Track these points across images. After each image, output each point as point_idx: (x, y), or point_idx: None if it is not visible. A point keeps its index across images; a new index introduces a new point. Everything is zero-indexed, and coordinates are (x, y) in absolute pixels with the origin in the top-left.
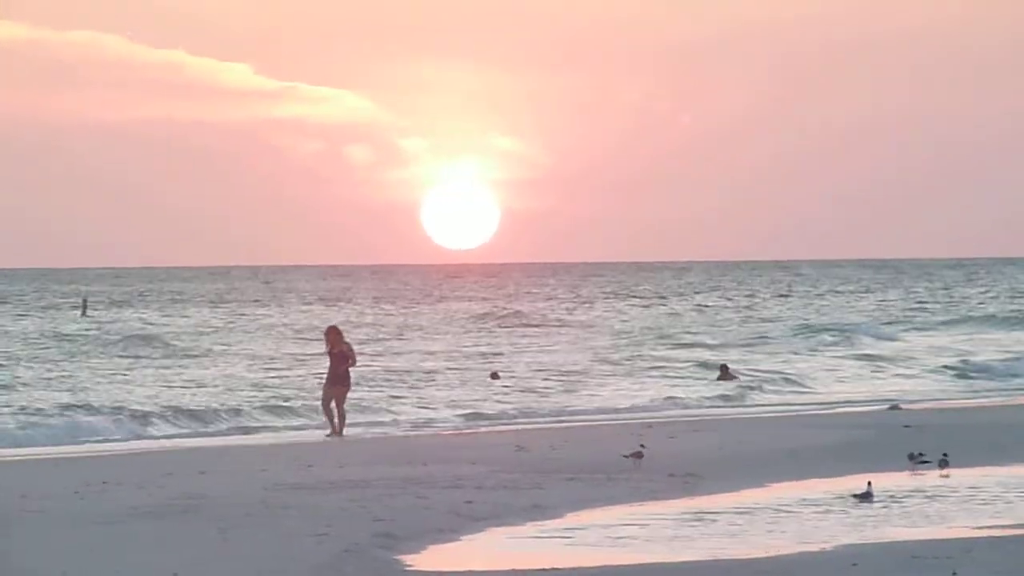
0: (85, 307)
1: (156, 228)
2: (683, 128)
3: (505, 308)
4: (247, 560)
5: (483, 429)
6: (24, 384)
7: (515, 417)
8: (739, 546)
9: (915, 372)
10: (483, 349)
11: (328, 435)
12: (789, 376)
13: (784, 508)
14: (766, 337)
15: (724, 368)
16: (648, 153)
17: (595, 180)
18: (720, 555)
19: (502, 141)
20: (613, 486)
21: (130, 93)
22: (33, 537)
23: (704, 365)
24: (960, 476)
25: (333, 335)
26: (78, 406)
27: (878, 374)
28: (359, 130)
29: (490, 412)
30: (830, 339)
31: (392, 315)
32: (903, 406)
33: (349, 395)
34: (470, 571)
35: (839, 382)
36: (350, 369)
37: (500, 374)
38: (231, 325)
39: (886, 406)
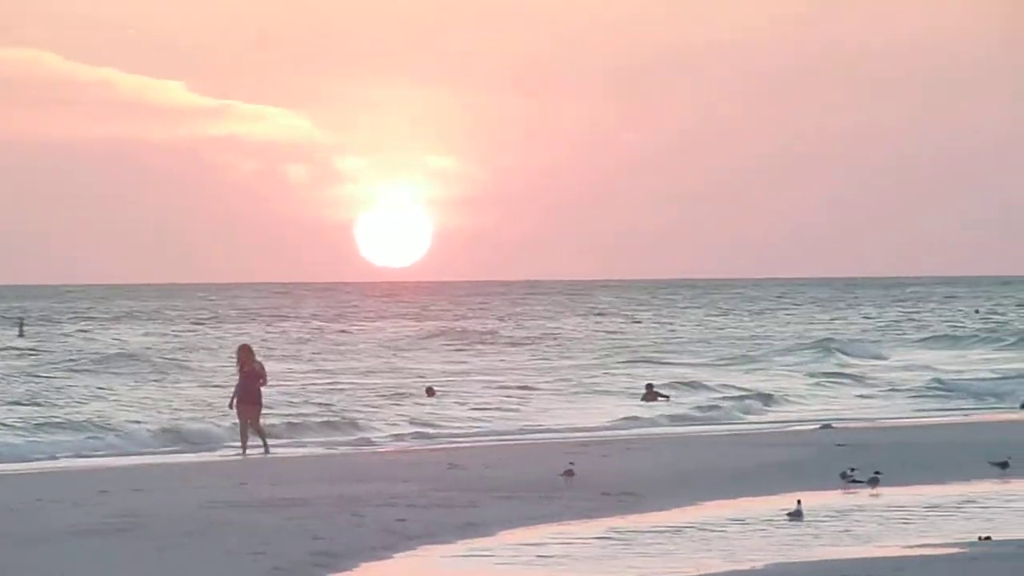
0: (22, 327)
1: (95, 246)
2: (625, 146)
3: (446, 326)
4: None
5: (417, 447)
6: None
7: (451, 435)
8: (669, 565)
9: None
10: (419, 366)
11: (239, 455)
12: (753, 395)
13: (715, 527)
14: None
15: (649, 387)
16: (589, 172)
17: (534, 199)
18: (649, 574)
19: (440, 160)
20: (547, 504)
21: (68, 111)
22: None
23: (685, 382)
24: (891, 495)
25: (244, 354)
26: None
27: (853, 391)
28: (296, 149)
29: (425, 429)
30: (810, 355)
31: (333, 332)
32: (836, 425)
33: (263, 412)
34: None
35: (813, 400)
36: (262, 388)
37: (436, 390)
38: (169, 343)
39: (818, 425)
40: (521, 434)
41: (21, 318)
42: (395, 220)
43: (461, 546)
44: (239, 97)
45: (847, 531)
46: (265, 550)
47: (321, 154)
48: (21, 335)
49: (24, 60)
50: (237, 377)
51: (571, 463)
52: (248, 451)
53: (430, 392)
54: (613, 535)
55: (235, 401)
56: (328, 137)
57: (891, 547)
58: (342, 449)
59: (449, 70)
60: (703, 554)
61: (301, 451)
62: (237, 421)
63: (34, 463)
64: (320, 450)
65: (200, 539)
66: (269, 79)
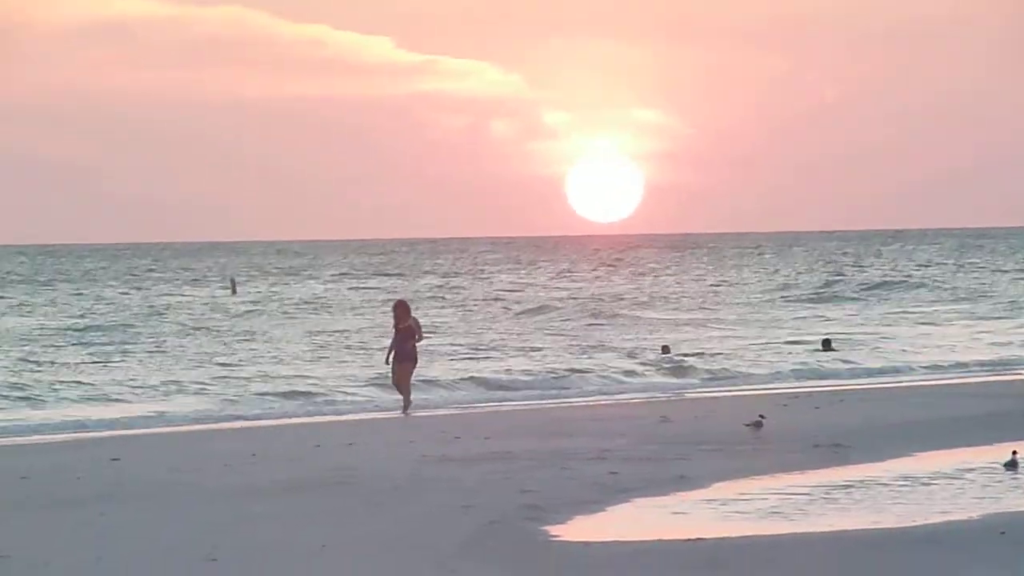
0: (234, 285)
1: (299, 203)
2: (823, 100)
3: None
4: (394, 534)
5: (628, 400)
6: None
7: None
8: (886, 516)
9: None
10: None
11: (403, 412)
12: None
13: (929, 478)
14: None
15: (826, 342)
16: (786, 124)
17: (732, 151)
18: (867, 525)
19: (646, 114)
20: (758, 457)
21: (274, 69)
22: (183, 510)
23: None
24: None
25: (401, 310)
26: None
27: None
28: (503, 104)
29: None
30: None
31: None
32: None
33: (416, 370)
34: (616, 541)
35: None
36: (416, 345)
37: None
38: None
39: None
40: (722, 386)
41: (232, 277)
42: (603, 174)
43: (674, 499)
44: (447, 52)
45: None
46: (474, 504)
47: (528, 109)
48: (234, 293)
49: (229, 18)
50: (392, 333)
51: (761, 415)
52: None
53: (665, 350)
54: (827, 487)
55: (390, 357)
56: (535, 92)
57: None
58: (553, 403)
59: (654, 24)
60: (919, 505)
61: (511, 406)
62: (393, 380)
63: (240, 422)
64: (533, 404)
65: (411, 493)
66: (476, 34)
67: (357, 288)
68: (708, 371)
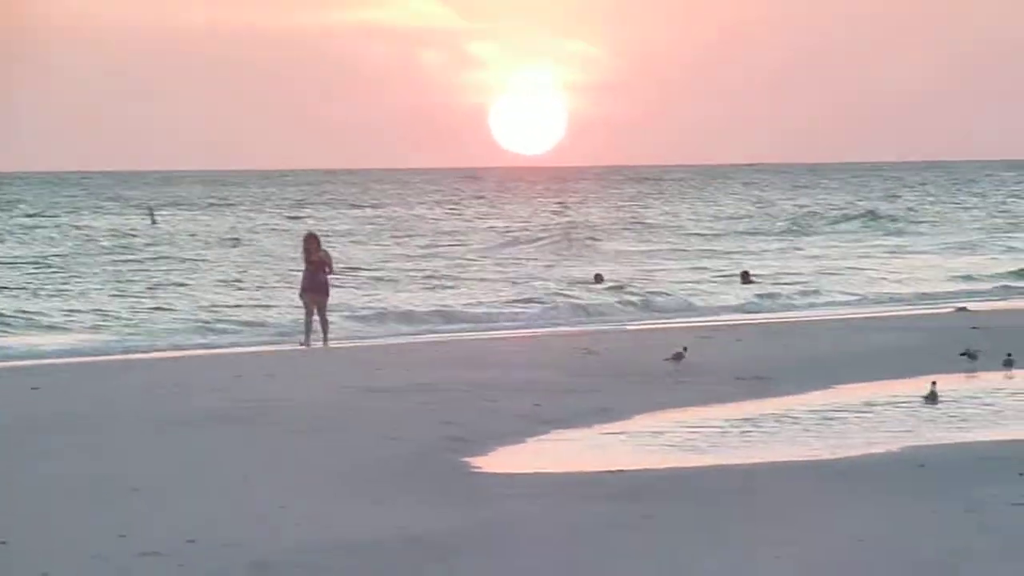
0: (153, 215)
1: (226, 134)
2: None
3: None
4: (318, 464)
5: (551, 332)
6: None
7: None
8: (806, 448)
9: None
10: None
11: (301, 344)
12: None
13: (850, 410)
14: None
15: (745, 274)
16: (728, 61)
17: (658, 81)
18: (787, 457)
19: (573, 45)
20: (680, 389)
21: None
22: (104, 439)
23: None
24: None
25: (312, 243)
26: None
27: None
28: (430, 34)
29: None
30: None
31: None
32: (971, 307)
33: (329, 302)
34: (537, 473)
35: None
36: (328, 277)
37: (604, 277)
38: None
39: (953, 308)
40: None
41: (150, 207)
42: (528, 106)
43: (596, 431)
44: None
45: (982, 414)
46: (398, 435)
47: (455, 40)
48: (154, 223)
49: None
50: (303, 267)
51: (684, 348)
52: (327, 340)
53: (598, 278)
54: (747, 419)
55: (301, 291)
56: (462, 23)
57: None
58: (476, 334)
59: None
60: (839, 437)
61: (437, 336)
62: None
63: (165, 351)
64: (457, 336)
65: (333, 424)
66: None
67: (297, 219)
68: (634, 302)
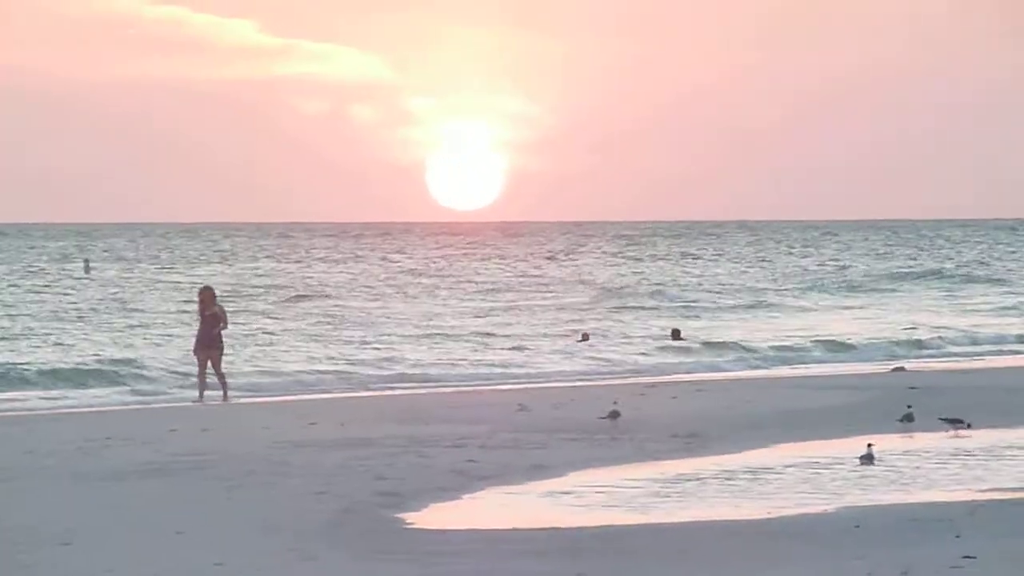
0: (87, 264)
1: (158, 186)
2: (675, 85)
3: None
4: (251, 519)
5: (485, 388)
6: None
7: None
8: (742, 507)
9: None
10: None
11: (195, 401)
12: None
13: (786, 469)
14: None
15: (675, 332)
16: (648, 110)
17: (596, 138)
18: (722, 516)
19: (510, 101)
20: (616, 446)
21: (132, 50)
22: (38, 493)
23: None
24: (963, 439)
25: (207, 296)
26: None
27: None
28: (365, 89)
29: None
30: None
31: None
32: (908, 367)
33: (224, 358)
34: (472, 530)
35: None
36: (222, 332)
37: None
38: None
39: (890, 367)
40: (582, 377)
41: (86, 258)
42: (464, 162)
43: (530, 487)
44: (307, 36)
45: (918, 475)
46: (330, 490)
47: (390, 94)
48: (87, 272)
49: None
50: (198, 321)
51: (615, 403)
52: (227, 395)
53: (585, 338)
54: (683, 478)
55: (196, 346)
56: (398, 78)
57: (962, 491)
58: (411, 391)
59: (518, 11)
60: (778, 497)
61: (371, 393)
62: (197, 366)
63: (100, 406)
64: (393, 391)
65: (266, 478)
66: (338, 18)
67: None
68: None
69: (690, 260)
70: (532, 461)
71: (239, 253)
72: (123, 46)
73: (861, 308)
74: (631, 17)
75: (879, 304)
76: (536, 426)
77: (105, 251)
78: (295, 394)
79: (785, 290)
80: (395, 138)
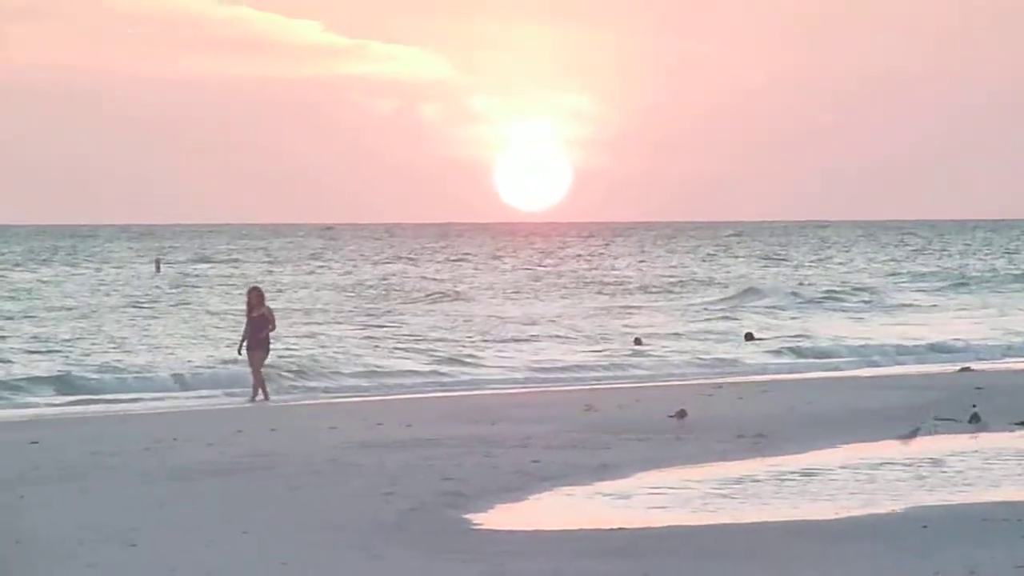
0: (159, 265)
1: (225, 186)
2: (768, 92)
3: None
4: (316, 519)
5: (552, 388)
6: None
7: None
8: (808, 507)
9: None
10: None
11: (249, 401)
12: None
13: (852, 469)
14: None
15: (749, 335)
16: (732, 117)
17: (673, 142)
18: (789, 516)
19: (577, 100)
20: (682, 446)
21: (200, 49)
22: (104, 493)
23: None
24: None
25: (255, 297)
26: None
27: None
28: (431, 88)
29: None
30: None
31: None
32: (974, 367)
33: (267, 360)
34: (537, 530)
35: None
36: (270, 334)
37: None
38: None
39: (957, 367)
40: (648, 377)
41: (158, 258)
42: (531, 161)
43: (596, 487)
44: (375, 37)
45: (986, 474)
46: (396, 490)
47: (456, 94)
48: (158, 271)
49: None
50: (245, 321)
51: (683, 409)
52: (257, 397)
53: (638, 342)
54: (748, 478)
55: (243, 346)
56: (463, 77)
57: None
58: (478, 390)
59: (587, 8)
60: (845, 497)
61: (435, 393)
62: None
63: (167, 402)
64: (458, 391)
65: (331, 479)
66: (404, 18)
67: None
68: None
69: (823, 259)
70: (598, 461)
71: (338, 253)
72: (189, 46)
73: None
74: (693, 13)
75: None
76: (602, 426)
77: (220, 249)
78: (387, 394)
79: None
80: (460, 137)
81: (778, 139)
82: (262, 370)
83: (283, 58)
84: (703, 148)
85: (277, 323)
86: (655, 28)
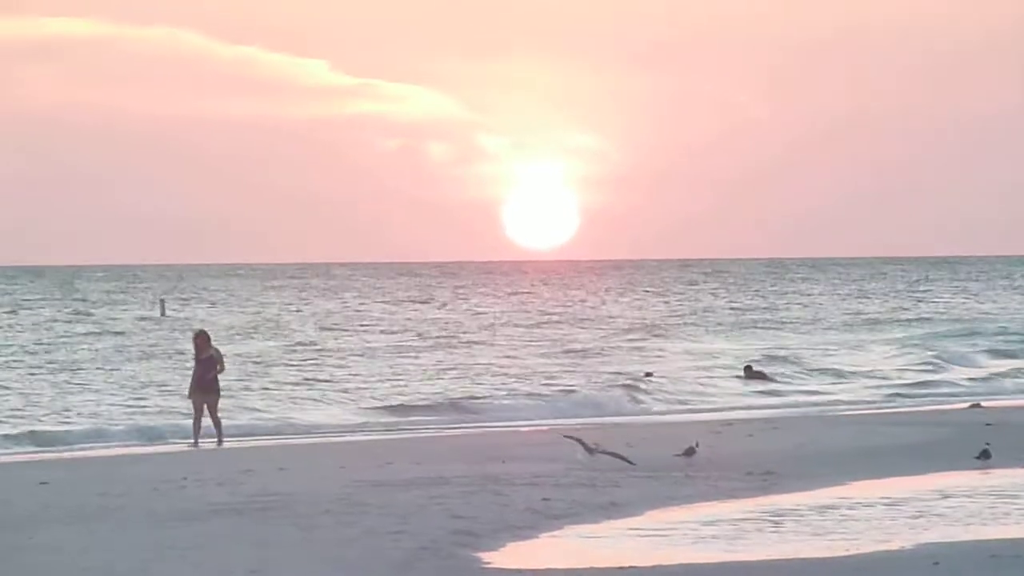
0: (163, 306)
1: (233, 226)
2: (767, 128)
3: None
4: (326, 558)
5: (561, 425)
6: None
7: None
8: (819, 544)
9: None
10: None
11: (191, 445)
12: None
13: (864, 506)
14: None
15: (748, 368)
16: (731, 153)
17: (676, 179)
18: (800, 554)
19: (582, 139)
20: (691, 484)
21: (206, 89)
22: (113, 534)
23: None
24: None
25: (201, 341)
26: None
27: None
28: (437, 127)
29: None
30: None
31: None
32: (984, 403)
33: (221, 402)
34: (549, 569)
35: None
36: (218, 376)
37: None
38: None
39: (967, 404)
40: (654, 413)
41: (163, 299)
42: (539, 199)
43: (606, 526)
44: (380, 76)
45: (996, 512)
46: (406, 529)
47: (463, 132)
48: (163, 314)
49: (161, 38)
50: (193, 364)
51: (696, 443)
52: (200, 442)
53: (648, 375)
54: (759, 515)
55: (191, 389)
56: (471, 116)
57: None
58: (486, 428)
59: (591, 48)
60: (855, 534)
61: (444, 431)
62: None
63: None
64: (467, 429)
65: (341, 518)
66: (411, 58)
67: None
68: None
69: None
70: (608, 499)
71: (356, 290)
72: (196, 84)
73: None
74: (690, 51)
75: None
76: (611, 464)
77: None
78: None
79: None
80: (468, 175)
81: (775, 172)
82: (217, 413)
83: (291, 97)
84: (709, 183)
85: (227, 366)
86: (654, 68)
